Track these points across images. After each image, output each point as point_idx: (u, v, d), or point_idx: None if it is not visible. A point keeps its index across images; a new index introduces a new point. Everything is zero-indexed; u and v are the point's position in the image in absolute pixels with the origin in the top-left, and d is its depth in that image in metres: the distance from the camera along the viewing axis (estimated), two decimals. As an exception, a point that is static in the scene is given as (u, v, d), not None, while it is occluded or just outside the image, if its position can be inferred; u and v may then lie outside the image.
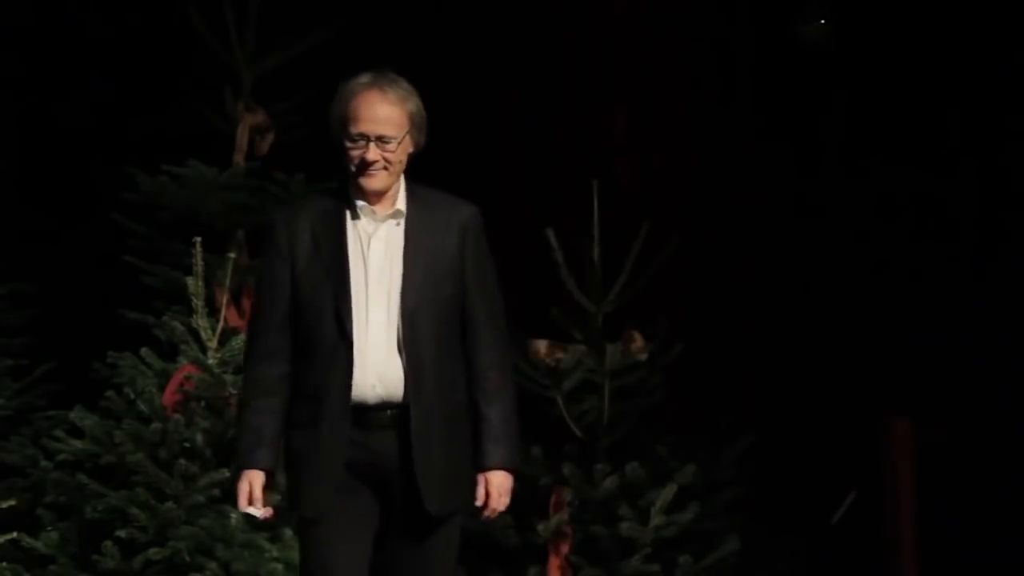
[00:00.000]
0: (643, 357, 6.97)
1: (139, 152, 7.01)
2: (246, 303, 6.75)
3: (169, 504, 5.53)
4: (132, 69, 7.53)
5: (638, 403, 6.99)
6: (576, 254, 6.97)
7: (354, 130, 4.59)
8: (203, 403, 5.67)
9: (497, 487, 4.63)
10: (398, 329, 4.56)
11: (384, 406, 4.56)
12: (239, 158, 6.96)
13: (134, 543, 5.51)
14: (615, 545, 6.70)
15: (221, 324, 5.85)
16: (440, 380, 4.61)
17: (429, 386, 4.59)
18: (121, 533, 5.49)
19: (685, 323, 7.19)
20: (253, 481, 4.52)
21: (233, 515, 5.53)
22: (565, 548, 6.65)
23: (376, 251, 4.61)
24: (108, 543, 5.48)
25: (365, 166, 4.58)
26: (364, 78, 4.66)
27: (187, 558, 5.48)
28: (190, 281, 5.78)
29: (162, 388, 5.69)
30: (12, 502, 5.65)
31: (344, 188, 4.68)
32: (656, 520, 6.67)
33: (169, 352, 5.83)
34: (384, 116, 4.60)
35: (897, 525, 7.17)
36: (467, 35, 7.55)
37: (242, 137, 6.96)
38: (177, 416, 5.62)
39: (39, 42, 7.59)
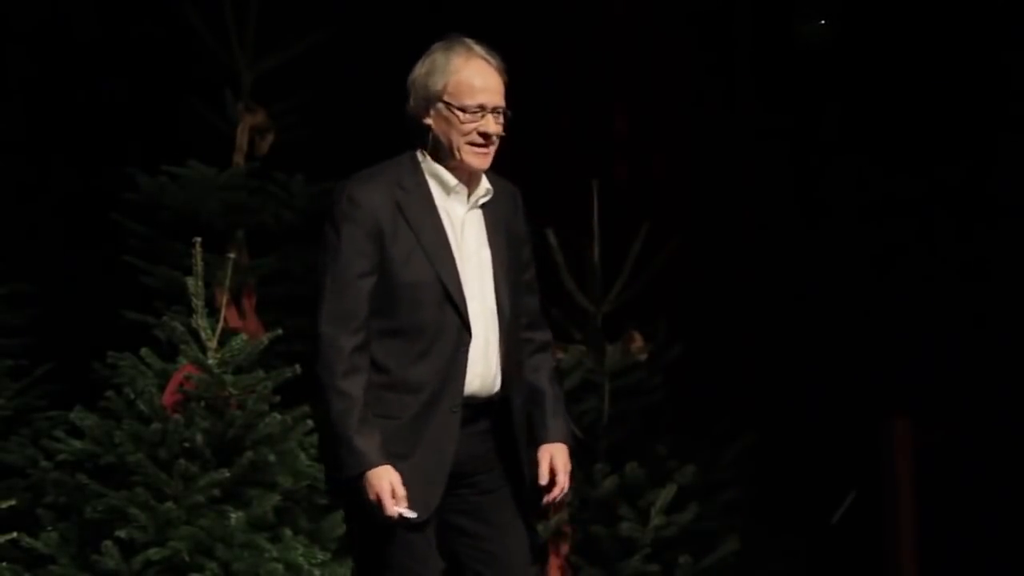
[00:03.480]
0: (643, 357, 6.98)
1: (139, 152, 7.01)
2: (246, 303, 6.76)
3: (169, 504, 5.52)
4: (132, 69, 7.53)
5: (638, 403, 6.99)
6: (576, 254, 6.98)
7: (472, 101, 4.30)
8: (203, 403, 5.67)
9: (564, 462, 4.39)
10: (496, 319, 4.33)
11: (475, 400, 4.32)
12: (239, 158, 6.96)
13: (134, 543, 5.51)
14: (615, 545, 6.70)
15: (221, 324, 5.84)
16: (521, 371, 4.41)
17: (518, 378, 4.39)
18: (121, 533, 5.49)
19: (685, 323, 7.20)
20: (394, 479, 4.17)
21: (233, 515, 5.52)
22: (565, 548, 6.65)
23: (469, 237, 4.36)
24: (108, 543, 5.47)
25: (485, 139, 4.30)
26: (458, 46, 4.40)
27: (187, 558, 5.47)
28: (190, 281, 5.77)
29: (162, 388, 5.68)
30: (12, 502, 5.64)
31: (417, 165, 4.37)
32: (656, 520, 6.67)
33: (169, 352, 5.83)
34: (497, 86, 4.34)
35: (897, 525, 7.17)
36: (466, 35, 7.54)
37: (242, 137, 6.96)
38: (177, 416, 5.61)
39: (40, 42, 7.59)
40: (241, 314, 6.65)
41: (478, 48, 4.41)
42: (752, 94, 8.06)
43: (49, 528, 5.68)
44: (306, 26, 7.01)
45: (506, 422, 4.40)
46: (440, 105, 4.34)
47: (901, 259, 7.76)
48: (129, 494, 5.54)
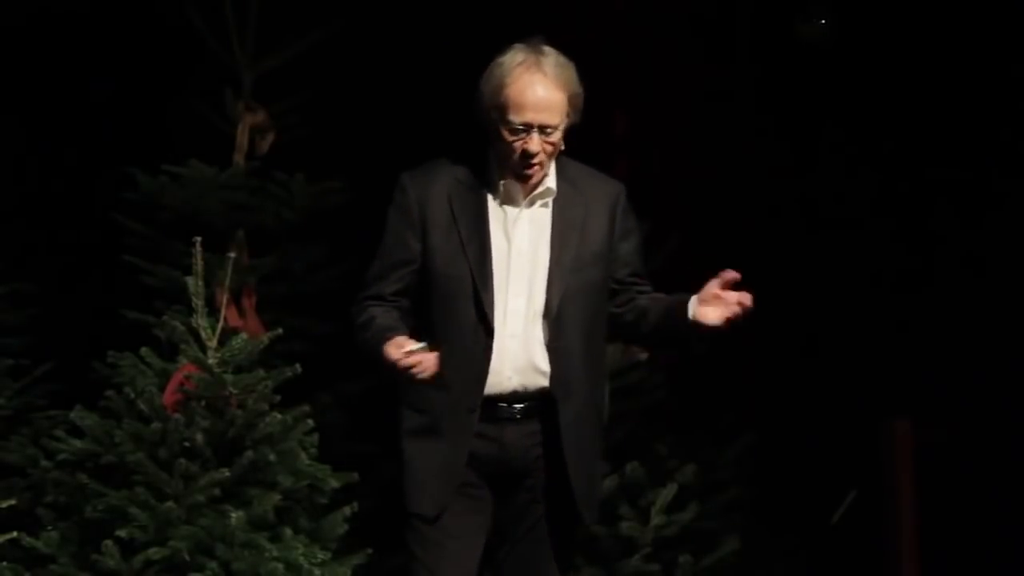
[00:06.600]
0: (643, 357, 6.97)
1: (139, 152, 7.01)
2: (246, 303, 6.75)
3: (169, 504, 5.52)
4: (132, 69, 7.53)
5: (638, 403, 6.99)
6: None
7: (516, 119, 4.28)
8: (203, 403, 5.67)
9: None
10: (541, 319, 4.31)
11: (518, 398, 4.32)
12: (239, 158, 6.96)
13: (134, 543, 5.50)
14: (615, 545, 6.69)
15: (221, 324, 5.84)
16: (587, 375, 4.37)
17: (577, 381, 4.35)
18: (121, 533, 5.49)
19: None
20: (397, 341, 4.17)
21: (233, 515, 5.52)
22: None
23: (521, 234, 4.34)
24: (108, 543, 5.47)
25: (527, 158, 4.30)
26: (521, 55, 4.35)
27: (187, 558, 5.47)
28: (190, 281, 5.77)
29: (162, 388, 5.68)
30: (12, 502, 5.64)
31: (485, 158, 4.39)
32: (656, 520, 6.67)
33: (169, 352, 5.83)
34: (546, 103, 4.32)
35: (897, 525, 7.17)
36: (466, 34, 7.54)
37: (242, 137, 6.96)
38: (177, 416, 5.61)
39: (40, 42, 7.59)
40: (241, 314, 6.64)
41: (546, 59, 4.38)
42: (752, 94, 8.05)
43: (49, 528, 5.68)
44: (306, 26, 7.01)
45: (555, 428, 4.37)
46: (493, 115, 4.33)
47: (901, 259, 7.76)
48: (129, 494, 5.53)
